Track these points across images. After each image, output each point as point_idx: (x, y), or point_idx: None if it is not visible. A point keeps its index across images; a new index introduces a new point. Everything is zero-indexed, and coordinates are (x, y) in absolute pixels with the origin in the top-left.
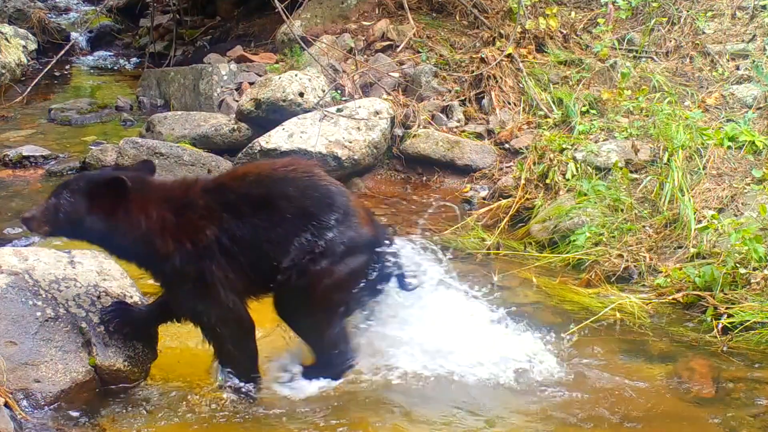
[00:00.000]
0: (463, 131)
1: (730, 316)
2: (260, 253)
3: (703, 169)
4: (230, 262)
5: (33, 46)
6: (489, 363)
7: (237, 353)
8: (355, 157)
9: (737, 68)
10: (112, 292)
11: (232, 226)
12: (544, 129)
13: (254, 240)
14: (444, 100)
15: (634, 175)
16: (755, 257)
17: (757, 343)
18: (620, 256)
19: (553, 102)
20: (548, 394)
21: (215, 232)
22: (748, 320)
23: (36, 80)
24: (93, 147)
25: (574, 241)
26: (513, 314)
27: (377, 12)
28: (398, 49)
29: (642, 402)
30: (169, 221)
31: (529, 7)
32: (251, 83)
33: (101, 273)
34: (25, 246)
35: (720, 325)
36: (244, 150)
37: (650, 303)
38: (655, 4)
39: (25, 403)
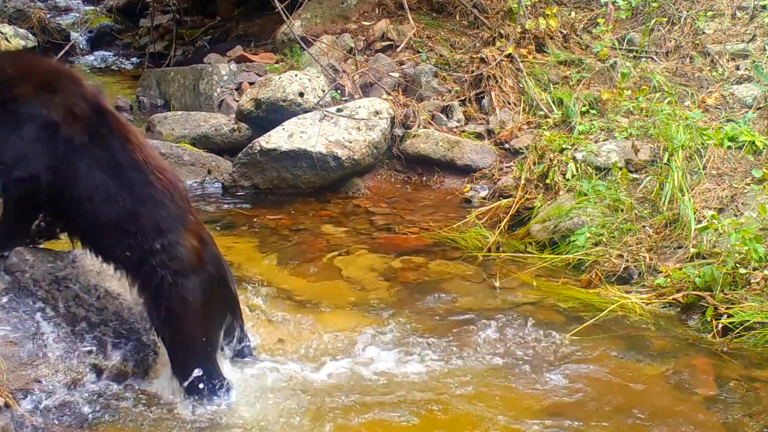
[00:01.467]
0: (463, 131)
1: (730, 316)
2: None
3: (703, 169)
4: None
5: (32, 45)
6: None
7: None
8: (355, 157)
9: (737, 68)
10: (112, 291)
11: (94, 143)
12: (544, 129)
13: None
14: (444, 100)
15: (634, 175)
16: (755, 257)
17: (757, 344)
18: (620, 256)
19: (553, 102)
20: (548, 392)
21: (83, 129)
22: (749, 320)
23: None
24: None
25: (574, 241)
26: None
27: (377, 12)
28: (398, 49)
29: (642, 400)
30: (49, 79)
31: (529, 7)
32: (251, 83)
33: (101, 273)
34: None
35: (720, 326)
36: (244, 150)
37: (650, 303)
38: (655, 4)
39: (25, 403)
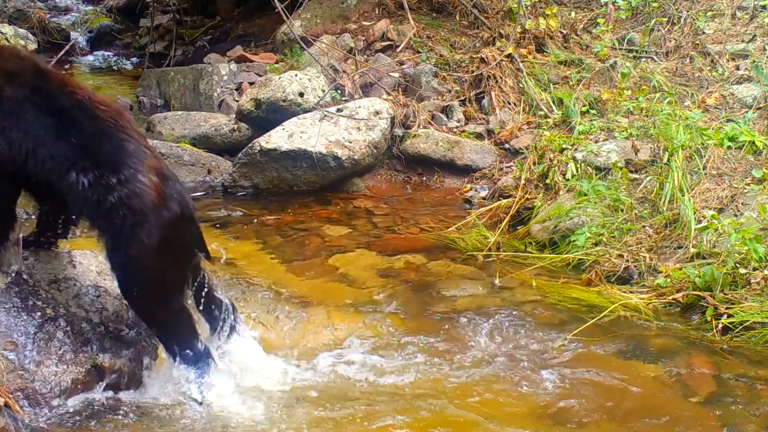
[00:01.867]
0: (463, 131)
1: (730, 316)
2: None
3: (703, 169)
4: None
5: (33, 46)
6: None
7: None
8: (355, 157)
9: (737, 68)
10: (111, 291)
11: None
12: (544, 129)
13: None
14: (444, 100)
15: (634, 175)
16: (755, 257)
17: (757, 343)
18: (620, 256)
19: (553, 102)
20: (549, 393)
21: (23, 84)
22: (748, 320)
23: None
24: None
25: (575, 241)
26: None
27: (377, 12)
28: (398, 49)
29: (642, 399)
30: None
31: (529, 7)
32: (251, 83)
33: (101, 273)
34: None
35: (720, 325)
36: (244, 150)
37: (651, 303)
38: (655, 4)
39: (25, 403)
